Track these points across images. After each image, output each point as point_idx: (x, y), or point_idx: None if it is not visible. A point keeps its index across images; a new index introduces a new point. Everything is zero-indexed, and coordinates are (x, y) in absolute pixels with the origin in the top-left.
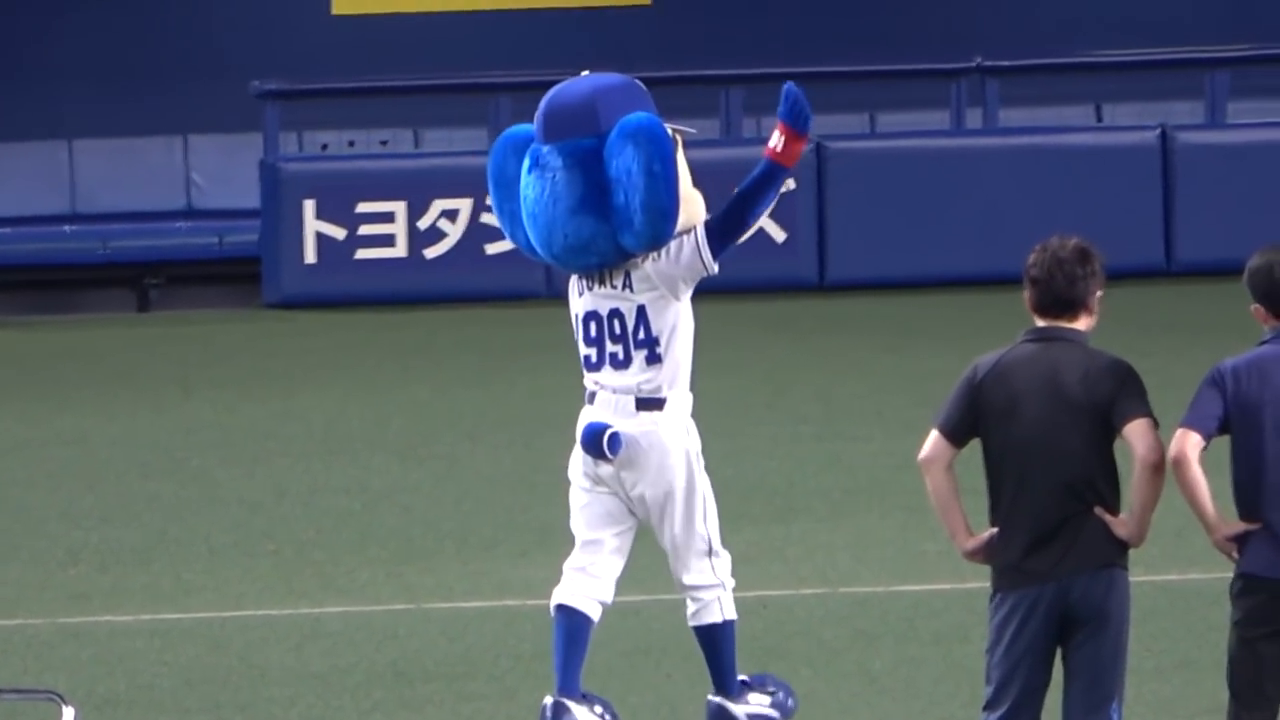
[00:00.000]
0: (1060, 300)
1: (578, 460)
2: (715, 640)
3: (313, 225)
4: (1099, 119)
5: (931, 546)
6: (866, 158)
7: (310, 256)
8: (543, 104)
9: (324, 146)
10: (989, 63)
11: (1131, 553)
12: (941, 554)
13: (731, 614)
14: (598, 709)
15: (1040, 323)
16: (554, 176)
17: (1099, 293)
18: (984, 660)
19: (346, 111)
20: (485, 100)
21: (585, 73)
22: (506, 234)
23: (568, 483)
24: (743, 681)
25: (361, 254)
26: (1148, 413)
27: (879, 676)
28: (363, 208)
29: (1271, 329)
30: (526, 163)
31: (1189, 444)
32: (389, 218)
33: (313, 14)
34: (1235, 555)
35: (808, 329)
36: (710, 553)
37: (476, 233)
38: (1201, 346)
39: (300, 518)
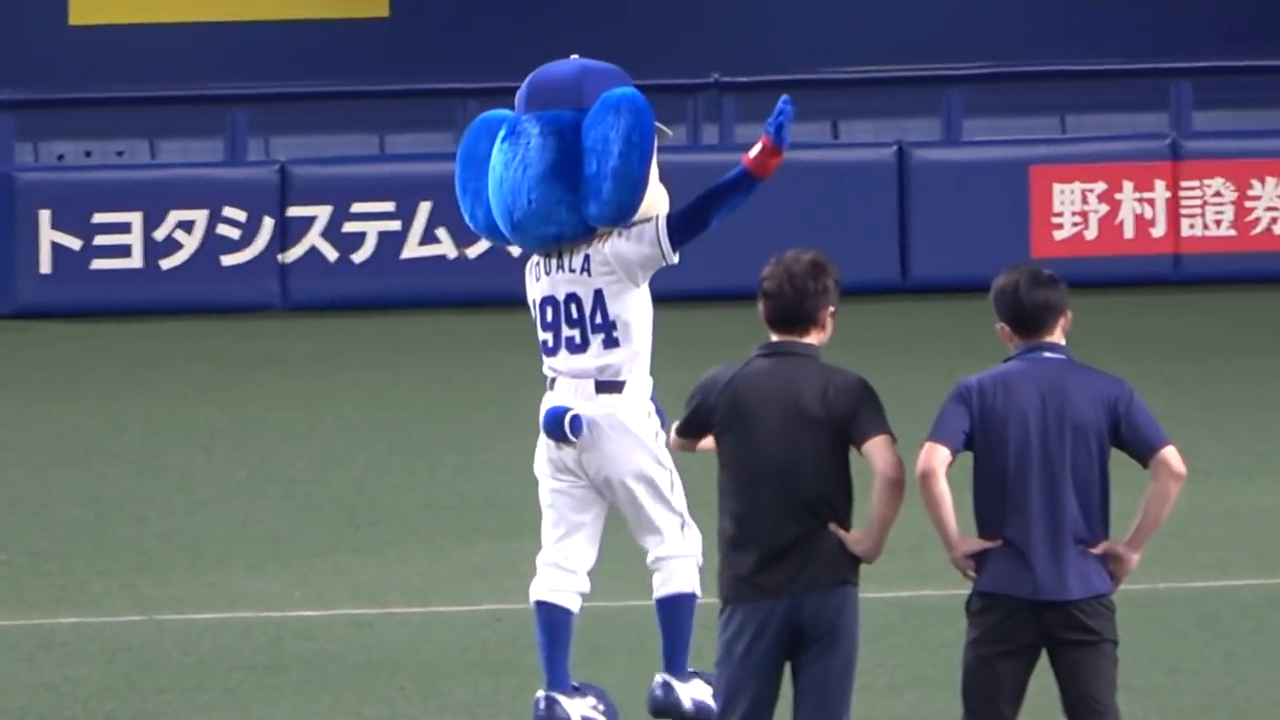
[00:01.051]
0: (792, 314)
1: (542, 452)
2: (677, 611)
3: (48, 235)
4: (835, 136)
5: None
6: None
7: (46, 267)
8: (528, 79)
9: (60, 157)
10: (726, 79)
11: (866, 569)
12: None
13: (697, 588)
14: (590, 699)
15: (774, 337)
16: (528, 143)
17: (832, 308)
18: (714, 673)
19: (83, 122)
20: (221, 111)
21: (574, 56)
22: (466, 214)
23: (303, 495)
24: (693, 671)
25: (97, 264)
26: (887, 429)
27: (612, 691)
28: (99, 218)
29: (1016, 347)
30: (501, 133)
31: (936, 458)
32: (125, 228)
33: (50, 24)
34: (972, 573)
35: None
36: (683, 525)
37: (212, 244)
38: (937, 363)
39: (33, 528)
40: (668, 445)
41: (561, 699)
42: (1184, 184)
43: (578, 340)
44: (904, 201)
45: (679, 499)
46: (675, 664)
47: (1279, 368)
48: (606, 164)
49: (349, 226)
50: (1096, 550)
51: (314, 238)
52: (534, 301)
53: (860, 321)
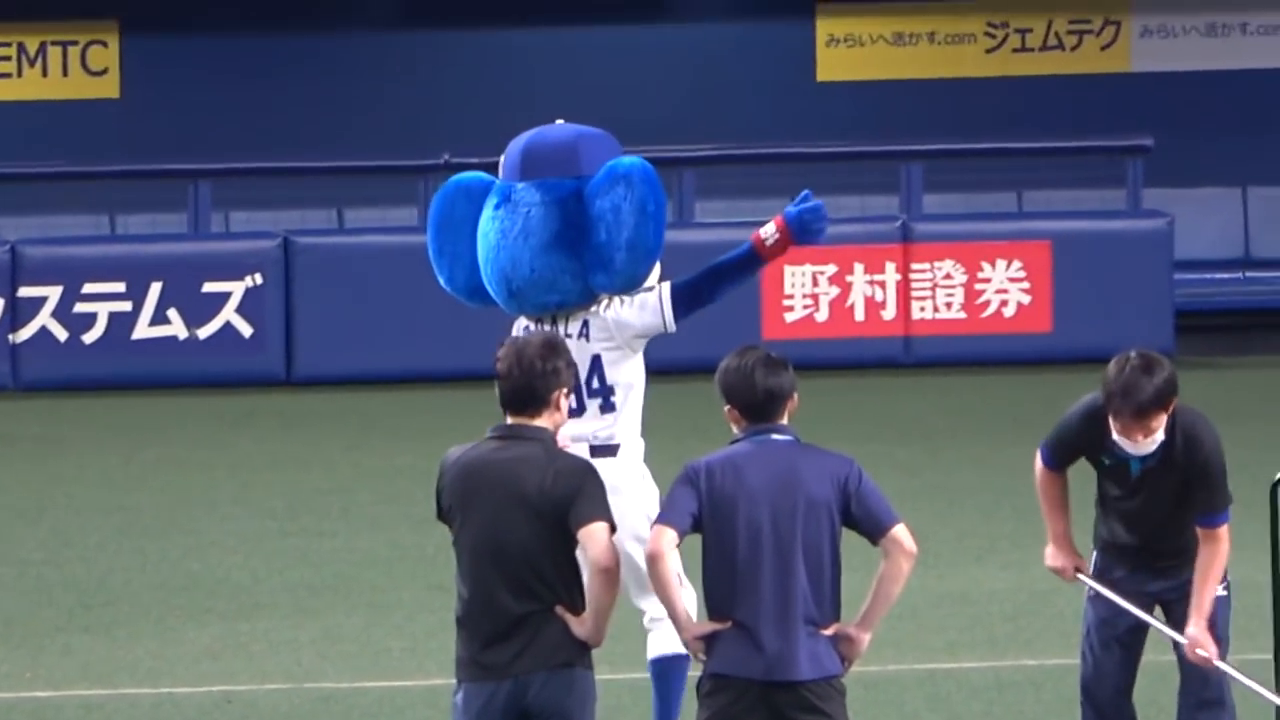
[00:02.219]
0: (521, 396)
1: None
2: (669, 673)
3: None
4: None
5: (395, 643)
6: (334, 253)
7: None
8: (520, 145)
9: None
10: (456, 159)
11: (596, 652)
12: (405, 650)
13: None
14: None
15: (508, 419)
16: (529, 212)
17: (565, 389)
18: None
19: None
20: None
21: (560, 121)
22: (443, 278)
23: (34, 576)
24: None
25: None
26: (604, 516)
27: None
28: None
29: (743, 430)
30: (492, 201)
31: (664, 541)
32: None
33: None
34: (703, 655)
35: (274, 424)
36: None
37: None
38: (665, 445)
39: None
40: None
41: None
42: (914, 266)
43: (574, 405)
44: None
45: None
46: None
47: (1007, 451)
48: (620, 235)
49: (80, 307)
50: (827, 631)
51: (44, 318)
52: None
53: None
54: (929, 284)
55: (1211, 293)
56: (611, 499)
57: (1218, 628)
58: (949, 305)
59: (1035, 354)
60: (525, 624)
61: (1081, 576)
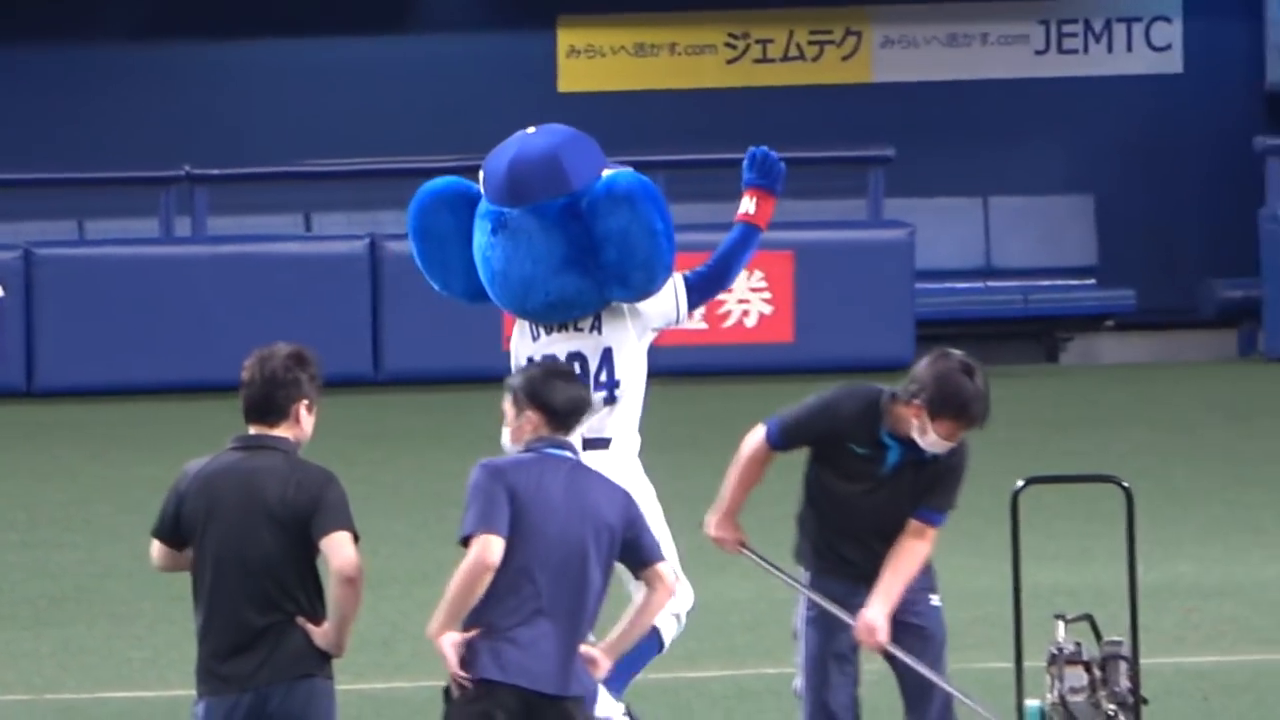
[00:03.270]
0: (261, 405)
1: None
2: (638, 647)
3: None
4: (308, 228)
5: (136, 654)
6: (75, 264)
7: None
8: (500, 165)
9: None
10: (198, 171)
11: (338, 662)
12: (146, 661)
13: (665, 640)
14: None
15: (251, 429)
16: (530, 239)
17: (307, 401)
18: None
19: None
20: None
21: (531, 129)
22: (437, 285)
23: None
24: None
25: None
26: (347, 525)
27: None
28: None
29: (530, 440)
30: (485, 225)
31: (493, 553)
32: None
33: None
34: (457, 665)
35: (14, 436)
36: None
37: None
38: (407, 455)
39: None
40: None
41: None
42: None
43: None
44: (376, 294)
45: (670, 550)
46: (614, 682)
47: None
48: (634, 256)
49: None
50: (583, 649)
51: None
52: (529, 359)
53: (333, 414)
54: None
55: (952, 302)
56: None
57: (935, 639)
58: (691, 316)
59: (777, 364)
60: (266, 635)
61: (746, 551)
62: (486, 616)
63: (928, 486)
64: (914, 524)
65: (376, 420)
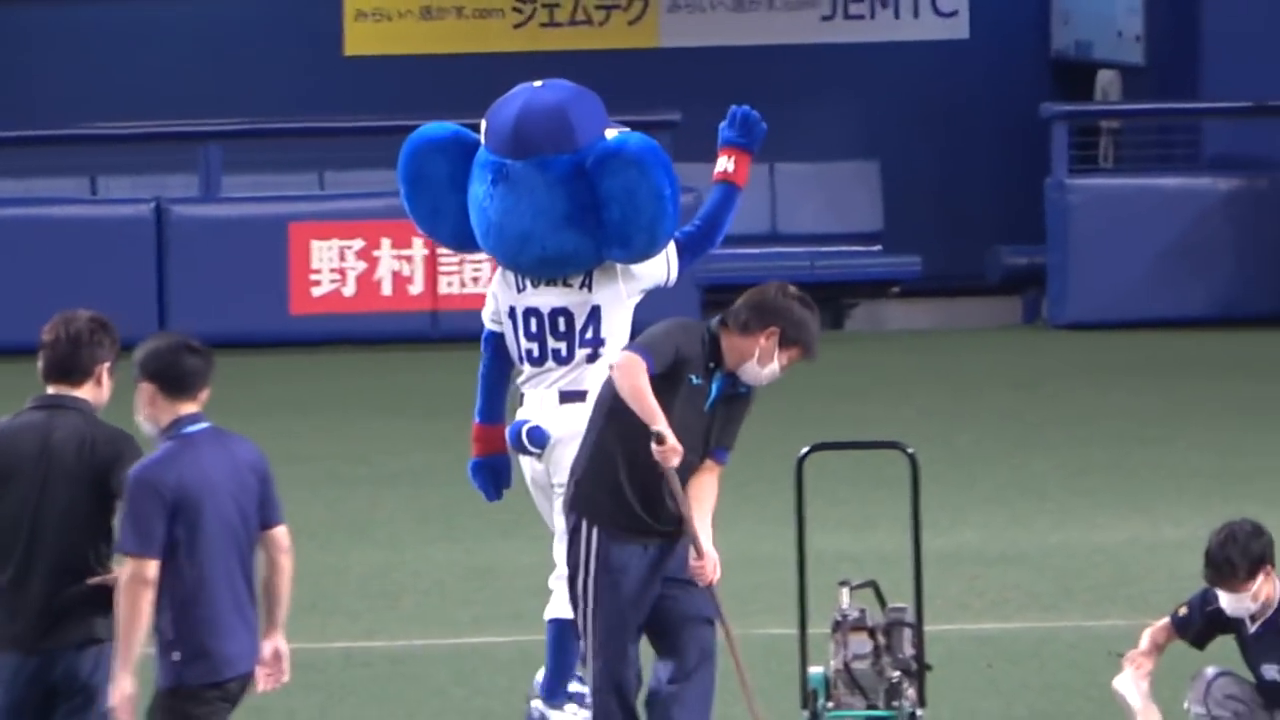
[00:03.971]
0: (65, 365)
1: (525, 471)
2: (563, 637)
3: None
4: (94, 192)
5: None
6: None
7: None
8: (507, 116)
9: None
10: None
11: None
12: None
13: None
14: (573, 706)
15: (50, 389)
16: (532, 192)
17: (109, 364)
18: None
19: None
20: None
21: (537, 83)
22: (424, 229)
23: None
24: (569, 694)
25: None
26: None
27: None
28: None
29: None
30: (485, 175)
31: (151, 574)
32: None
33: None
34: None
35: None
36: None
37: None
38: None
39: None
40: None
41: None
42: None
43: (564, 353)
44: (162, 258)
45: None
46: (552, 689)
47: None
48: (639, 217)
49: None
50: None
51: None
52: (512, 309)
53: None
54: (456, 259)
55: (739, 268)
56: (571, 444)
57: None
58: (476, 280)
59: None
60: (57, 597)
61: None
62: (193, 608)
63: (723, 424)
64: (710, 463)
65: None
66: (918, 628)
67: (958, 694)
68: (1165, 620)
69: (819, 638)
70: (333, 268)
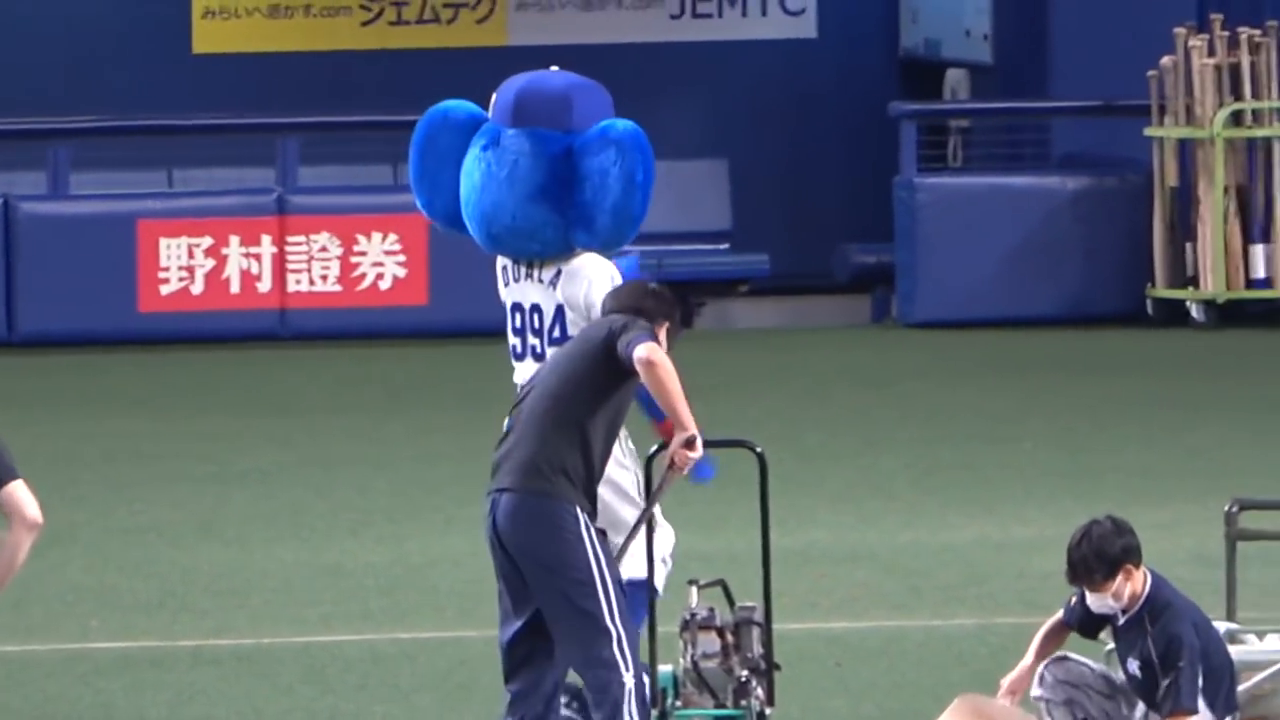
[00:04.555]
0: None
1: None
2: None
3: None
4: None
5: None
6: None
7: None
8: (513, 89)
9: None
10: None
11: None
12: None
13: (662, 587)
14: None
15: None
16: (516, 160)
17: None
18: None
19: None
20: None
21: (554, 68)
22: (421, 202)
23: None
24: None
25: None
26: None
27: None
28: None
29: None
30: (480, 141)
31: None
32: None
33: None
34: None
35: None
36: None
37: None
38: (41, 416)
39: None
40: None
41: None
42: (290, 239)
43: (539, 350)
44: (10, 255)
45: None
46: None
47: (385, 424)
48: (605, 199)
49: None
50: None
51: None
52: (505, 304)
53: None
54: (305, 257)
55: None
56: None
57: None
58: (325, 278)
59: (412, 326)
60: None
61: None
62: None
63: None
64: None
65: (10, 382)
66: (766, 627)
67: (806, 693)
68: (1057, 616)
69: (668, 636)
70: (181, 265)
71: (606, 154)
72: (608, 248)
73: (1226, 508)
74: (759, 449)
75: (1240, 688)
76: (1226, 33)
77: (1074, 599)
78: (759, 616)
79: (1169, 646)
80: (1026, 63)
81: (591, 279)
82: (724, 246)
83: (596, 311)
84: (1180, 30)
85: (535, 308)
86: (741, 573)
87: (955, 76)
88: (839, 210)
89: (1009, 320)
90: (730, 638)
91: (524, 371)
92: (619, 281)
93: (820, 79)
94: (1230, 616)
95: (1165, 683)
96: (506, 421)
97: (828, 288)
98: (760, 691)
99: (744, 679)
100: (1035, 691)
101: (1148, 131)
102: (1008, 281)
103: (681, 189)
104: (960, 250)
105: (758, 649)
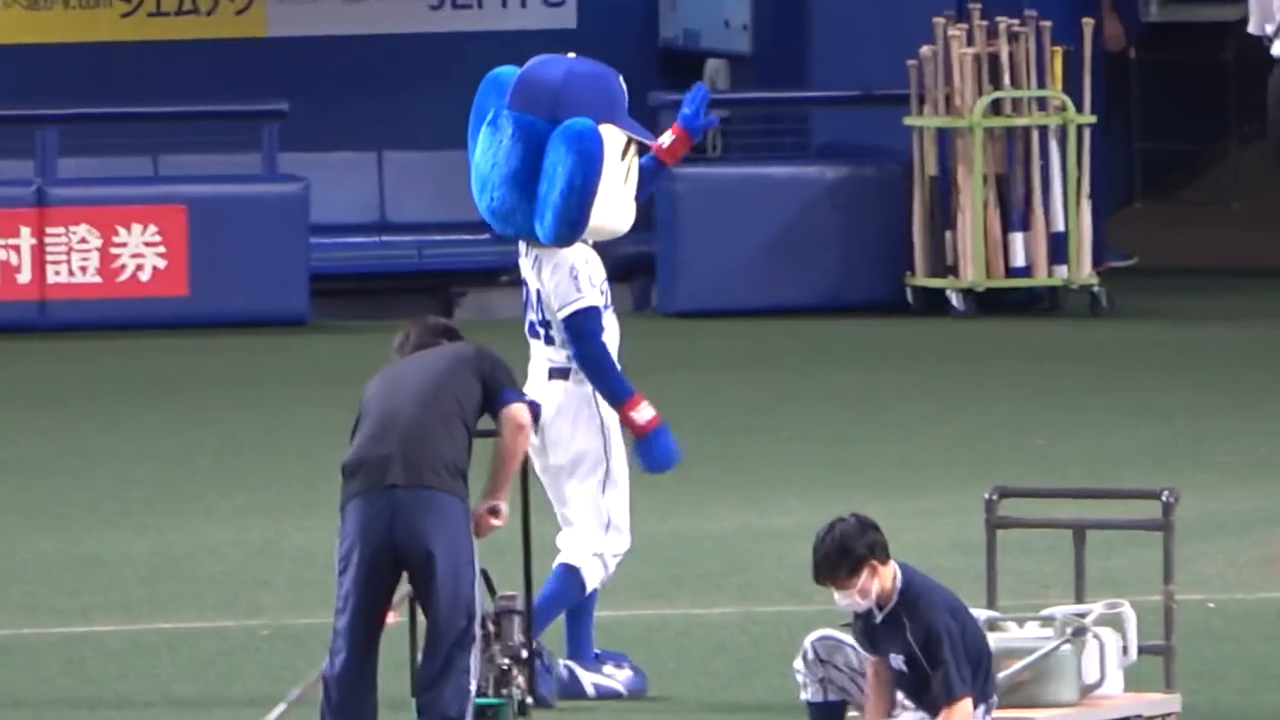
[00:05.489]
0: None
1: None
2: (562, 589)
3: None
4: None
5: None
6: None
7: None
8: (524, 70)
9: None
10: None
11: None
12: None
13: (594, 585)
14: (608, 666)
15: None
16: (501, 141)
17: None
18: None
19: None
20: None
21: (572, 54)
22: (471, 157)
23: None
24: (597, 654)
25: None
26: None
27: None
28: None
29: None
30: (489, 114)
31: None
32: None
33: None
34: None
35: None
36: (607, 526)
37: None
38: None
39: None
40: None
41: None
42: (50, 230)
43: (537, 328)
44: None
45: (614, 497)
46: (578, 652)
47: (145, 415)
48: (550, 195)
49: None
50: None
51: None
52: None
53: None
54: (64, 248)
55: (348, 257)
56: (558, 422)
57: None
58: (85, 269)
59: (172, 318)
60: None
61: None
62: None
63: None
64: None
65: None
66: (527, 616)
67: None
68: (869, 661)
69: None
70: None
71: (558, 152)
72: (556, 245)
73: (986, 496)
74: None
75: (1000, 675)
76: (985, 22)
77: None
78: (520, 606)
79: (928, 636)
80: (786, 53)
81: (557, 277)
82: (484, 236)
83: (555, 308)
84: (939, 20)
85: (527, 285)
86: (503, 562)
87: (715, 66)
88: None
89: (769, 310)
90: (492, 627)
91: (536, 351)
92: (578, 279)
93: None
94: (991, 604)
95: (936, 675)
96: (370, 424)
97: None
98: (521, 680)
99: (505, 667)
100: (797, 665)
101: (907, 121)
102: (767, 271)
103: (442, 179)
104: (720, 240)
105: (519, 638)
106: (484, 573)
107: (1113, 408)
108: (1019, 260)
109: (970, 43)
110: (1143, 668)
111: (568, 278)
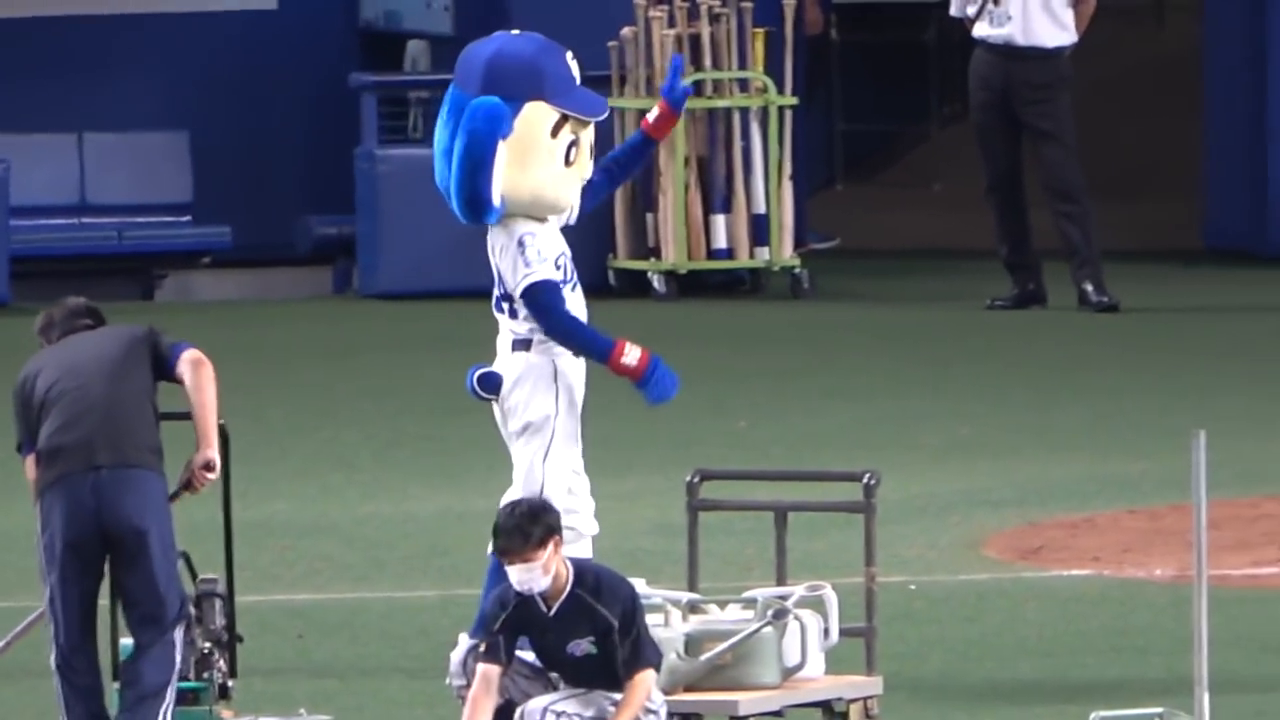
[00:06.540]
0: None
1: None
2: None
3: None
4: None
5: None
6: None
7: None
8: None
9: None
10: None
11: None
12: None
13: None
14: None
15: None
16: (441, 119)
17: None
18: None
19: None
20: None
21: (516, 31)
22: None
23: None
24: None
25: None
26: None
27: None
28: None
29: None
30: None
31: None
32: None
33: None
34: None
35: None
36: (540, 493)
37: None
38: None
39: None
40: None
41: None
42: None
43: (500, 301)
44: None
45: (552, 465)
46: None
47: None
48: (451, 173)
49: None
50: None
51: None
52: None
53: None
54: None
55: (47, 239)
56: (514, 389)
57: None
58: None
59: None
60: None
61: None
62: None
63: None
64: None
65: None
66: (229, 599)
67: (270, 665)
68: (478, 673)
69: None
70: None
71: (461, 130)
72: (470, 221)
73: (687, 478)
74: (221, 421)
75: (702, 658)
76: (687, 3)
77: (483, 642)
78: (221, 589)
79: (625, 606)
80: (487, 33)
81: (507, 255)
82: (185, 219)
83: (510, 286)
84: (640, 1)
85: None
86: (204, 545)
87: (416, 48)
88: (300, 182)
89: (470, 291)
90: (193, 610)
91: (500, 323)
92: (524, 253)
93: (280, 51)
94: (692, 586)
95: (626, 645)
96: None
97: (290, 259)
98: (223, 663)
99: (206, 651)
100: (458, 682)
101: (609, 102)
102: (467, 253)
103: (142, 161)
104: (421, 222)
105: (220, 621)
106: (185, 555)
107: (814, 389)
108: (720, 242)
109: (672, 24)
110: (844, 650)
111: (515, 253)
